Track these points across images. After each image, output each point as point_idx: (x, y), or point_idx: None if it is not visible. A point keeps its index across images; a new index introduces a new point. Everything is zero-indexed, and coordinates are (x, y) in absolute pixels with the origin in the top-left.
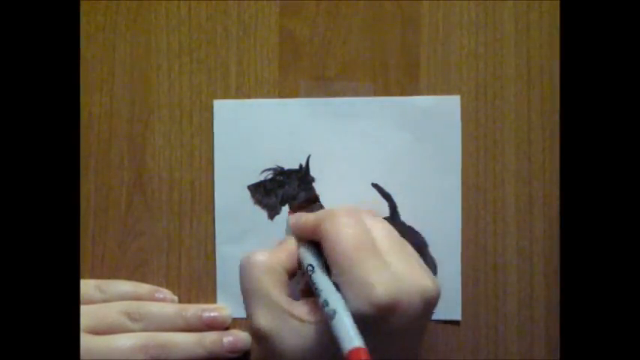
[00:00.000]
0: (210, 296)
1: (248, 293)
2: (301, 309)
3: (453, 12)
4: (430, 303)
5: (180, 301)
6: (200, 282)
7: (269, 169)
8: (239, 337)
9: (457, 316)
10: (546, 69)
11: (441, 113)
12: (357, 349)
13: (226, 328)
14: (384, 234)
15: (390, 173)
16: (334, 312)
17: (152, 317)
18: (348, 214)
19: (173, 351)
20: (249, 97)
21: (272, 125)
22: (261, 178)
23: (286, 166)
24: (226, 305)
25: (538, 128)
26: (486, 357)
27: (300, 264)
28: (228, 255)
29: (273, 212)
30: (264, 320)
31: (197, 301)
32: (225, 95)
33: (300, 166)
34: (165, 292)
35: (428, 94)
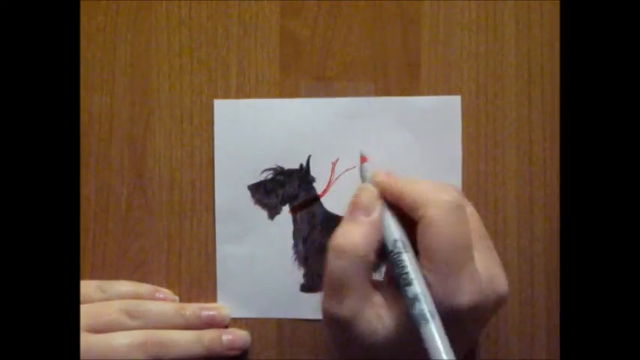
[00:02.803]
0: (210, 296)
1: (332, 279)
2: (385, 299)
3: (454, 12)
4: (501, 306)
5: (180, 301)
6: (200, 282)
7: (269, 169)
8: (238, 335)
9: None
10: (546, 69)
11: (441, 113)
12: None
13: (225, 327)
14: (474, 226)
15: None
16: (422, 313)
17: (151, 315)
18: (455, 209)
19: (172, 349)
20: (249, 97)
21: (272, 125)
22: (262, 178)
23: (286, 166)
24: (226, 305)
25: (538, 128)
26: (486, 357)
27: (385, 239)
28: (228, 255)
29: (273, 212)
30: (346, 309)
31: (197, 300)
32: (226, 95)
33: (301, 166)
34: (165, 292)
35: (428, 94)
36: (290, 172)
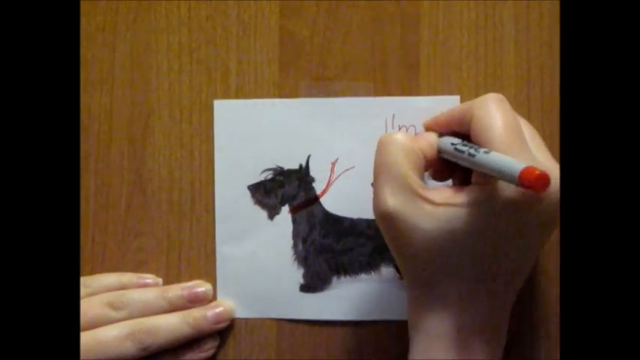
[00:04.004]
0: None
1: (382, 169)
2: (435, 194)
3: (453, 12)
4: (556, 204)
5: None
6: None
7: (269, 169)
8: (222, 309)
9: None
10: (546, 69)
11: None
12: (528, 167)
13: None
14: (525, 124)
15: None
16: (489, 150)
17: (135, 303)
18: (499, 100)
19: (159, 334)
20: (249, 97)
21: (272, 125)
22: (261, 178)
23: (286, 166)
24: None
25: (538, 128)
26: None
27: (440, 151)
28: (228, 255)
29: (273, 212)
30: (393, 200)
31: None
32: (225, 95)
33: (300, 166)
34: (148, 277)
35: (427, 94)
36: (289, 173)
